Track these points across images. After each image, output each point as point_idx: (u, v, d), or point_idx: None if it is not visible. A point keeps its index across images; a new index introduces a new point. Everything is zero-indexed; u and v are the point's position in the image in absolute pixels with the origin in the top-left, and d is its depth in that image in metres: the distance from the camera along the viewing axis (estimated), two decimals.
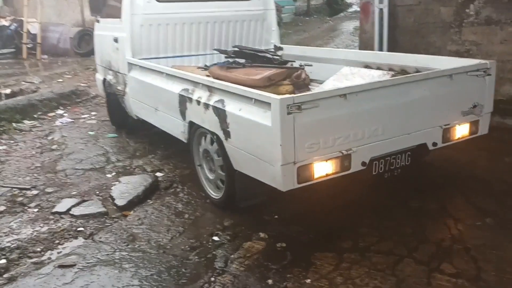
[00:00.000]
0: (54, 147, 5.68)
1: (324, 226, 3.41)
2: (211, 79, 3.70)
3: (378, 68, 4.50)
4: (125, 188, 4.17)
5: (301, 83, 4.76)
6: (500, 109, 4.98)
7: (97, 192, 4.22)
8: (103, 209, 3.87)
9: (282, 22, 15.45)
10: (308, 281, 2.81)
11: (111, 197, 4.07)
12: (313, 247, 3.15)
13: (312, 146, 2.85)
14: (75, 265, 3.09)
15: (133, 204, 3.95)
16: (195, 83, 3.69)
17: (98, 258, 3.17)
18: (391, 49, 5.96)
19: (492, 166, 4.35)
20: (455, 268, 2.85)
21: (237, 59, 5.24)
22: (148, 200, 4.03)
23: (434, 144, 3.46)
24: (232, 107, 3.17)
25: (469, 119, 3.61)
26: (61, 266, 3.08)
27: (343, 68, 4.57)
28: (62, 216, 3.80)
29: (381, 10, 5.98)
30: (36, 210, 3.94)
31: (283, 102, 2.69)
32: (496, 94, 4.66)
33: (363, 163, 3.11)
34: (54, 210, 3.89)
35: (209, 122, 3.46)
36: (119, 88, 5.47)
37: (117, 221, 3.70)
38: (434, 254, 3.01)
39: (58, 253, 3.28)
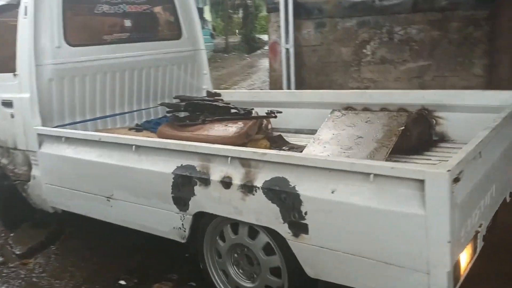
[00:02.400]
0: None
1: None
2: (261, 150, 2.49)
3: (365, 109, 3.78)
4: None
5: (274, 136, 3.85)
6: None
7: None
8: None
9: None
10: None
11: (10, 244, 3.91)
12: None
13: (463, 233, 1.95)
14: None
15: (34, 250, 3.81)
16: (212, 156, 2.47)
17: None
18: (298, 86, 6.16)
19: None
20: None
21: (179, 113, 4.09)
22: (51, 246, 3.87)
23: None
24: (312, 189, 2.09)
25: None
26: None
27: (334, 112, 3.76)
28: None
29: (287, 50, 6.16)
30: None
31: (450, 175, 1.74)
32: None
33: (484, 238, 2.31)
34: None
35: (255, 213, 2.30)
36: (16, 171, 3.78)
37: (15, 270, 3.56)
38: None
39: None
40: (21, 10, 3.50)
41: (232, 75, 14.22)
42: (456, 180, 1.80)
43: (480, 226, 2.17)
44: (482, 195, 2.19)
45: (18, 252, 3.77)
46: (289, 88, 6.19)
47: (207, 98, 4.31)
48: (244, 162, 2.33)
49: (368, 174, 1.92)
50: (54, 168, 3.46)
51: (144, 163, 2.79)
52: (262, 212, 2.27)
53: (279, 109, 3.89)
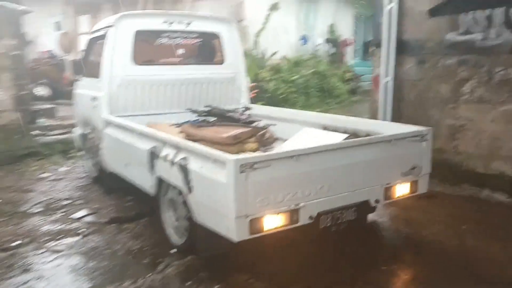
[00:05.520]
0: None
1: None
2: (177, 138, 4.06)
3: (334, 130, 4.95)
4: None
5: (266, 141, 5.18)
6: (492, 184, 5.49)
7: (109, 209, 5.35)
8: (105, 220, 4.98)
9: (359, 90, 15.95)
10: None
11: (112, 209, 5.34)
12: None
13: (263, 201, 3.20)
14: (61, 251, 4.23)
15: (127, 219, 4.99)
16: (163, 141, 4.05)
17: (79, 250, 4.26)
18: (395, 118, 6.36)
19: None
20: None
21: (207, 118, 5.68)
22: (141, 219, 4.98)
23: (377, 201, 3.85)
24: (194, 165, 3.53)
25: (409, 179, 4.03)
26: (52, 251, 4.25)
27: (304, 128, 5.02)
28: (75, 220, 5.00)
29: (386, 82, 6.51)
30: (60, 214, 5.21)
31: (237, 162, 3.06)
32: (487, 169, 5.26)
33: (311, 217, 3.46)
34: (71, 216, 5.12)
35: (175, 177, 3.80)
36: (95, 143, 5.79)
37: (110, 229, 4.74)
38: None
39: (56, 243, 4.42)
40: (106, 38, 5.50)
41: None
42: (249, 166, 3.07)
43: (296, 205, 3.34)
44: (298, 186, 3.35)
45: (113, 216, 5.07)
46: (384, 118, 6.48)
47: (226, 109, 5.84)
48: (174, 146, 3.86)
49: (210, 158, 3.32)
50: (109, 143, 5.36)
51: (140, 143, 4.45)
52: (177, 177, 3.75)
53: (275, 123, 5.33)
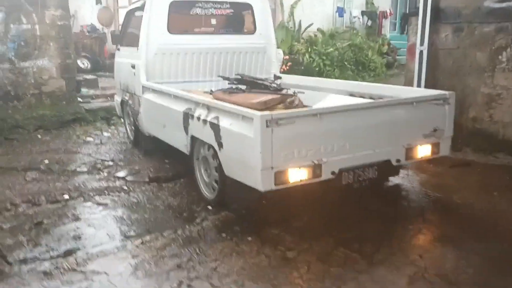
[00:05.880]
0: None
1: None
2: (208, 99, 4.35)
3: (361, 97, 5.13)
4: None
5: (295, 108, 5.41)
6: None
7: (149, 170, 5.73)
8: (145, 179, 5.38)
9: (396, 64, 15.75)
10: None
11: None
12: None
13: (288, 155, 3.47)
14: (106, 204, 4.65)
15: (166, 179, 5.37)
16: (196, 103, 4.35)
17: (123, 204, 4.66)
18: (429, 87, 6.15)
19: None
20: None
21: (239, 86, 5.94)
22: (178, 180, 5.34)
23: (398, 160, 4.04)
24: (225, 122, 3.82)
25: (430, 141, 4.19)
26: (98, 204, 4.68)
27: (330, 95, 5.22)
28: (119, 179, 5.42)
29: (421, 51, 6.50)
30: (105, 174, 5.65)
31: (263, 117, 3.33)
32: None
33: (333, 173, 3.71)
34: (115, 174, 5.56)
35: (207, 135, 4.10)
36: (134, 108, 6.18)
37: (150, 187, 5.12)
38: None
39: (103, 198, 4.83)
40: (143, 9, 5.81)
41: None
42: (274, 122, 3.33)
43: (319, 161, 3.59)
44: (321, 143, 3.59)
45: (152, 176, 5.46)
46: (419, 87, 6.39)
47: (258, 77, 6.08)
48: (206, 107, 4.16)
49: (240, 115, 3.59)
50: (147, 107, 5.73)
51: (176, 105, 4.78)
52: (209, 134, 4.06)
53: (303, 91, 5.54)
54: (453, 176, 5.23)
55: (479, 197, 4.58)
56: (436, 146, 4.25)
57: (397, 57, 16.37)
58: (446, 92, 4.25)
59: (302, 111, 3.62)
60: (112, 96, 8.22)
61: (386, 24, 19.17)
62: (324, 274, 3.21)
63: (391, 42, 17.22)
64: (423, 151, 4.20)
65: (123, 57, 6.59)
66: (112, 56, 7.18)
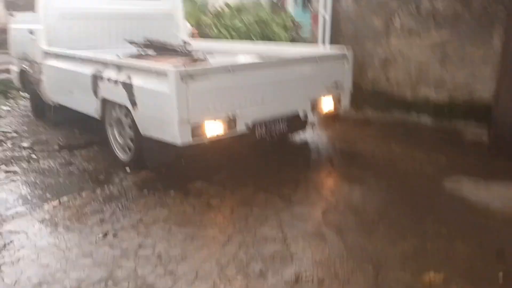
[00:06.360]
0: None
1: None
2: (118, 59, 4.28)
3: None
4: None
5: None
6: (418, 109, 5.98)
7: (57, 139, 5.51)
8: (55, 148, 5.20)
9: (299, 38, 15.18)
10: None
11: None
12: None
13: (203, 109, 3.56)
14: (16, 172, 4.46)
15: (78, 146, 5.22)
16: (105, 64, 4.26)
17: (34, 170, 4.49)
18: None
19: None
20: None
21: (147, 51, 5.86)
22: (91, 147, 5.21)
23: (305, 115, 4.32)
24: (138, 81, 3.80)
25: (332, 93, 4.52)
26: (6, 172, 4.47)
27: (239, 56, 5.36)
28: (25, 149, 5.18)
29: (324, 18, 6.80)
30: (9, 145, 5.38)
31: (177, 72, 3.37)
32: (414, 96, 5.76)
33: (246, 125, 3.87)
34: (20, 144, 5.33)
35: (119, 95, 4.05)
36: (36, 77, 5.85)
37: (61, 155, 4.97)
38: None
39: (11, 167, 4.61)
40: None
41: None
42: (189, 77, 3.40)
43: (233, 114, 3.72)
44: (235, 97, 3.73)
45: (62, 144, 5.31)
46: None
47: (167, 43, 6.05)
48: (116, 67, 4.09)
49: (153, 71, 3.60)
50: (50, 74, 5.45)
51: (83, 69, 4.62)
52: (121, 95, 4.01)
53: (213, 53, 5.60)
54: (356, 131, 5.72)
55: (379, 146, 5.09)
56: (337, 100, 4.60)
57: (300, 31, 16.91)
58: (345, 48, 4.59)
59: (216, 66, 3.71)
60: (6, 71, 7.64)
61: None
62: (247, 215, 3.41)
63: (294, 18, 17.72)
64: (327, 104, 4.51)
65: (20, 23, 6.16)
66: (4, 31, 6.66)
